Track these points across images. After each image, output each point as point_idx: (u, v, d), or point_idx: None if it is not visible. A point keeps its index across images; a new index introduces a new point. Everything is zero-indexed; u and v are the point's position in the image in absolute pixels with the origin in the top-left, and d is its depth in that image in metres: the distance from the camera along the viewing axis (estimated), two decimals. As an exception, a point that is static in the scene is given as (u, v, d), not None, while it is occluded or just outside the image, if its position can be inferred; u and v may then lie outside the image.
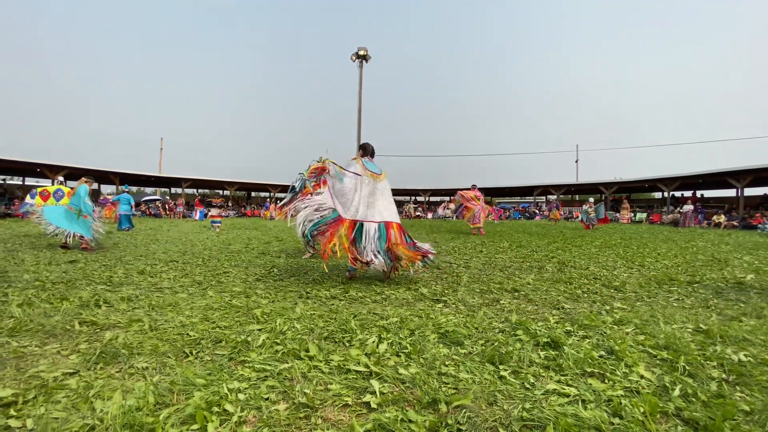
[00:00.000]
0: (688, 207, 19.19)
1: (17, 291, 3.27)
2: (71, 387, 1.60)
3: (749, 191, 23.24)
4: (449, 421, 1.38)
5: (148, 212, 26.15)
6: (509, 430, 1.36)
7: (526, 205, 37.52)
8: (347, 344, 2.16)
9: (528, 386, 1.66)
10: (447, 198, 36.90)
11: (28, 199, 7.24)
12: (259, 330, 2.36)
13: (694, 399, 1.56)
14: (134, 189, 41.61)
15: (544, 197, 35.85)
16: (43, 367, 1.79)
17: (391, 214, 4.06)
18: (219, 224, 12.87)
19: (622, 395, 1.58)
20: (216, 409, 1.44)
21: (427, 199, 38.86)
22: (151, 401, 1.47)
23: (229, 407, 1.45)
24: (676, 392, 1.61)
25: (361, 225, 3.81)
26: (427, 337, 2.27)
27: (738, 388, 1.68)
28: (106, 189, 29.25)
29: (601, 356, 1.99)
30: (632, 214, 25.02)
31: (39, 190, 7.27)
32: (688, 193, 27.33)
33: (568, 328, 2.45)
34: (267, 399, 1.53)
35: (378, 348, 2.06)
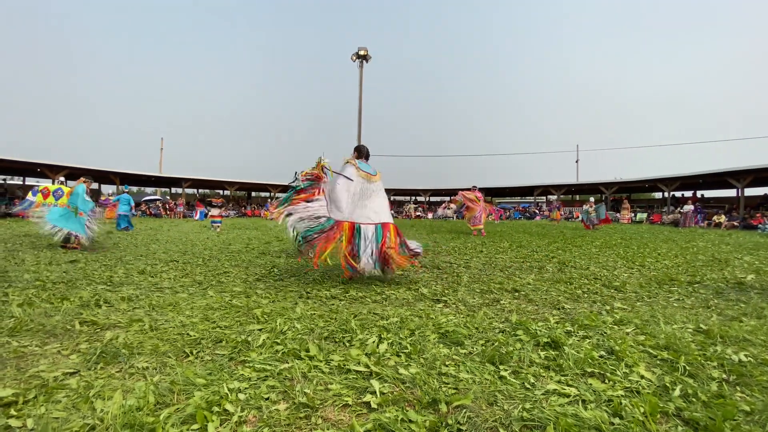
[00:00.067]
0: (689, 207, 19.18)
1: (18, 291, 3.27)
2: (71, 387, 1.60)
3: (750, 191, 23.23)
4: (449, 421, 1.38)
5: (148, 212, 26.16)
6: (509, 430, 1.36)
7: (527, 205, 37.51)
8: (347, 344, 2.16)
9: (528, 386, 1.66)
10: (447, 198, 36.93)
11: (29, 196, 7.30)
12: (260, 330, 2.36)
13: (694, 399, 1.56)
14: (134, 189, 41.64)
15: (544, 197, 35.84)
16: (43, 366, 1.79)
17: (387, 216, 4.06)
18: (219, 224, 12.87)
19: (622, 395, 1.58)
20: (216, 408, 1.44)
21: (427, 199, 38.86)
22: (152, 401, 1.47)
23: (229, 407, 1.45)
24: (677, 392, 1.60)
25: (359, 227, 3.81)
26: (427, 337, 2.27)
27: (738, 388, 1.68)
28: (107, 189, 29.25)
29: (601, 356, 1.99)
30: (632, 214, 25.02)
31: (41, 188, 7.34)
32: (688, 193, 27.32)
33: (569, 328, 2.45)
34: (267, 399, 1.53)
35: (378, 348, 2.06)
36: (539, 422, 1.39)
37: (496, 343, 2.15)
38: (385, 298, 3.32)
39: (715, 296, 3.51)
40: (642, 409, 1.45)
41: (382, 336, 2.25)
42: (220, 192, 36.64)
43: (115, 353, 1.93)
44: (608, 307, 3.03)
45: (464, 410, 1.46)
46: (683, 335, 2.33)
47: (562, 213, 27.04)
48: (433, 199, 39.44)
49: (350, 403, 1.52)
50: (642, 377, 1.75)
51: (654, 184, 27.73)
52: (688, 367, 1.86)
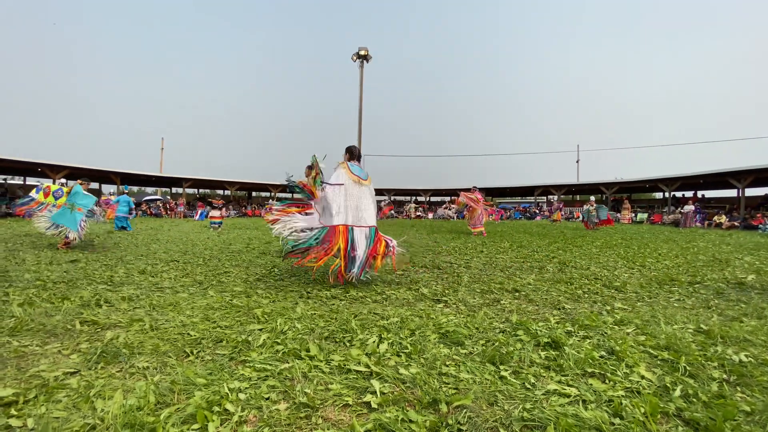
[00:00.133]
0: (689, 207, 19.15)
1: (18, 290, 3.28)
2: (72, 386, 1.60)
3: (750, 191, 23.18)
4: (450, 421, 1.38)
5: (149, 212, 26.18)
6: (510, 430, 1.36)
7: (527, 206, 37.50)
8: (348, 344, 2.16)
9: (529, 386, 1.66)
10: (447, 198, 36.93)
11: (32, 193, 7.41)
12: (260, 330, 2.37)
13: (694, 399, 1.56)
14: (135, 189, 41.67)
15: (544, 197, 35.83)
16: (44, 366, 1.79)
17: (374, 220, 4.06)
18: (219, 225, 12.86)
19: (622, 395, 1.57)
20: (217, 408, 1.44)
21: (427, 199, 38.86)
22: (152, 401, 1.47)
23: (229, 407, 1.45)
24: (677, 393, 1.60)
25: (352, 229, 3.81)
26: (427, 337, 2.27)
27: (739, 388, 1.68)
28: (107, 189, 29.26)
29: (601, 356, 1.99)
30: (633, 215, 24.99)
31: (43, 186, 7.45)
32: (689, 194, 27.29)
33: (569, 329, 2.45)
34: (268, 399, 1.53)
35: (378, 348, 2.06)
36: (540, 422, 1.39)
37: (497, 343, 2.15)
38: (386, 298, 3.32)
39: (716, 296, 3.51)
40: (642, 410, 1.45)
41: (383, 336, 2.25)
42: (221, 192, 36.66)
43: (116, 353, 1.93)
44: (609, 308, 3.03)
45: (464, 410, 1.46)
46: (684, 335, 2.33)
47: (563, 213, 27.04)
48: (433, 199, 39.44)
49: (350, 403, 1.52)
50: (642, 377, 1.75)
51: (654, 184, 27.69)
52: (688, 368, 1.86)
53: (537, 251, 7.01)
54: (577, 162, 39.26)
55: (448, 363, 1.90)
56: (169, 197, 33.08)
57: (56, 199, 7.09)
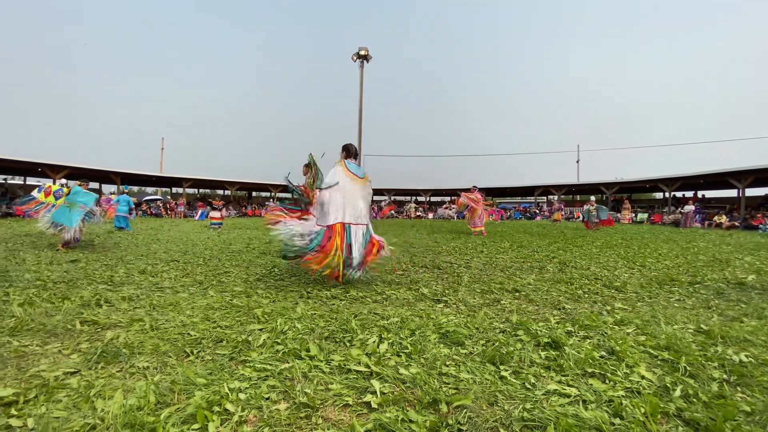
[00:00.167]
0: (690, 207, 19.14)
1: (18, 290, 3.28)
2: (72, 386, 1.60)
3: (750, 191, 23.16)
4: (450, 421, 1.38)
5: (149, 212, 26.18)
6: (510, 430, 1.36)
7: (527, 206, 37.49)
8: (348, 344, 2.16)
9: (529, 386, 1.66)
10: (447, 198, 36.92)
11: (34, 192, 7.48)
12: (260, 330, 2.37)
13: (695, 399, 1.56)
14: (135, 189, 41.68)
15: (545, 197, 35.82)
16: (44, 366, 1.80)
17: (367, 219, 4.07)
18: (219, 226, 12.86)
19: (623, 396, 1.57)
20: (217, 408, 1.44)
21: (427, 199, 38.85)
22: (152, 401, 1.48)
23: (230, 407, 1.45)
24: (677, 393, 1.60)
25: (349, 227, 3.81)
26: (427, 337, 2.27)
27: (739, 388, 1.68)
28: (108, 189, 29.27)
29: (602, 357, 1.99)
30: (633, 215, 24.99)
31: (45, 186, 7.53)
32: (689, 194, 27.29)
33: (569, 329, 2.45)
34: (268, 398, 1.53)
35: (379, 348, 2.06)
36: (540, 422, 1.39)
37: (497, 344, 2.15)
38: (386, 298, 3.32)
39: (716, 297, 3.51)
40: (643, 410, 1.45)
41: (383, 336, 2.25)
42: (221, 192, 36.67)
43: (116, 353, 1.94)
44: (609, 308, 3.03)
45: (465, 410, 1.46)
46: (684, 336, 2.33)
47: (563, 213, 27.05)
48: (433, 199, 39.44)
49: (351, 403, 1.52)
50: (643, 377, 1.75)
51: (655, 185, 27.67)
52: (688, 368, 1.86)
53: (537, 251, 7.00)
54: (577, 162, 39.27)
55: (448, 363, 1.90)
56: (169, 197, 33.09)
57: (56, 199, 7.11)
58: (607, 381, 1.73)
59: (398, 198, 38.74)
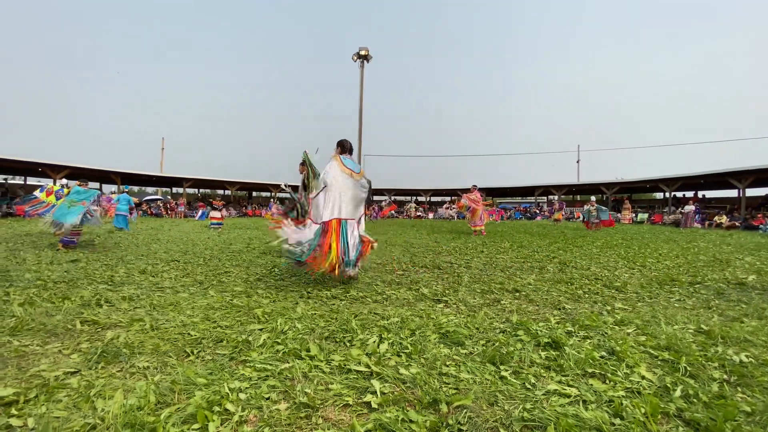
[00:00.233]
0: (690, 207, 19.13)
1: (19, 290, 3.28)
2: (72, 386, 1.60)
3: (751, 192, 23.16)
4: (450, 422, 1.38)
5: (149, 212, 26.19)
6: (510, 431, 1.36)
7: (528, 206, 37.48)
8: (348, 344, 2.16)
9: (529, 386, 1.66)
10: (448, 198, 36.92)
11: (36, 192, 7.54)
12: (260, 329, 2.37)
13: (695, 400, 1.56)
14: (135, 189, 41.69)
15: (545, 197, 35.82)
16: (44, 366, 1.80)
17: (362, 213, 4.09)
18: (219, 226, 12.86)
19: (623, 396, 1.57)
20: (217, 408, 1.44)
21: (428, 199, 38.85)
22: (153, 400, 1.48)
23: (230, 407, 1.45)
24: (678, 393, 1.60)
25: (345, 222, 3.81)
26: (428, 337, 2.27)
27: (739, 389, 1.68)
28: (108, 189, 29.28)
29: (602, 357, 1.99)
30: (634, 215, 24.98)
31: (47, 187, 7.63)
32: (689, 194, 27.28)
33: (569, 329, 2.45)
34: (268, 398, 1.53)
35: (379, 348, 2.06)
36: (540, 422, 1.39)
37: (497, 344, 2.15)
38: (386, 298, 3.32)
39: (717, 297, 3.51)
40: (643, 410, 1.45)
41: (383, 336, 2.25)
42: (221, 192, 36.69)
43: (116, 353, 1.94)
44: (609, 308, 3.03)
45: (465, 410, 1.46)
46: (684, 336, 2.33)
47: (564, 213, 27.06)
48: (433, 199, 39.44)
49: (351, 402, 1.52)
50: (643, 378, 1.75)
51: (655, 185, 27.67)
52: (689, 368, 1.86)
53: (537, 251, 7.00)
54: (578, 162, 39.25)
55: (448, 363, 1.90)
56: (169, 197, 33.10)
57: (57, 199, 7.15)
58: (607, 381, 1.73)
59: (398, 198, 38.73)
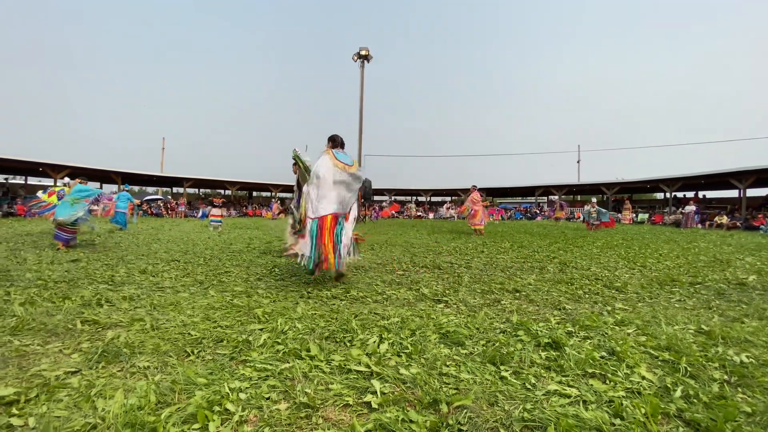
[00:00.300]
0: (690, 207, 19.12)
1: (19, 290, 3.28)
2: (73, 386, 1.61)
3: (752, 192, 23.15)
4: (450, 422, 1.38)
5: (150, 211, 26.21)
6: (510, 431, 1.36)
7: (528, 206, 37.48)
8: (348, 344, 2.17)
9: (529, 387, 1.66)
10: (448, 198, 36.92)
11: (39, 193, 7.59)
12: (261, 329, 2.37)
13: (695, 400, 1.56)
14: (136, 189, 41.73)
15: (545, 197, 35.82)
16: (45, 365, 1.80)
17: (354, 206, 4.09)
18: (219, 224, 12.87)
19: (623, 396, 1.57)
20: (217, 408, 1.44)
21: (428, 199, 38.86)
22: (153, 400, 1.48)
23: (230, 406, 1.45)
24: (678, 393, 1.60)
25: (341, 219, 3.81)
26: (428, 337, 2.27)
27: (740, 389, 1.68)
28: (108, 188, 29.31)
29: (602, 357, 1.99)
30: (634, 215, 24.98)
31: (50, 189, 7.73)
32: (690, 194, 27.27)
33: (570, 329, 2.45)
34: (268, 398, 1.53)
35: (379, 348, 2.06)
36: (540, 423, 1.39)
37: (497, 344, 2.15)
38: (386, 298, 3.32)
39: (717, 297, 3.50)
40: (643, 410, 1.44)
41: (383, 336, 2.25)
42: (221, 192, 36.71)
43: (117, 352, 1.94)
44: (609, 308, 3.03)
45: (465, 410, 1.46)
46: (684, 336, 2.32)
47: (565, 212, 27.06)
48: (434, 199, 39.45)
49: (351, 403, 1.53)
50: (643, 378, 1.75)
51: (656, 185, 27.66)
52: (689, 368, 1.86)
53: (538, 251, 7.00)
54: (578, 162, 39.26)
55: (448, 363, 1.90)
56: (170, 197, 33.13)
57: (59, 199, 7.17)
58: (607, 381, 1.73)
59: (398, 198, 38.74)
